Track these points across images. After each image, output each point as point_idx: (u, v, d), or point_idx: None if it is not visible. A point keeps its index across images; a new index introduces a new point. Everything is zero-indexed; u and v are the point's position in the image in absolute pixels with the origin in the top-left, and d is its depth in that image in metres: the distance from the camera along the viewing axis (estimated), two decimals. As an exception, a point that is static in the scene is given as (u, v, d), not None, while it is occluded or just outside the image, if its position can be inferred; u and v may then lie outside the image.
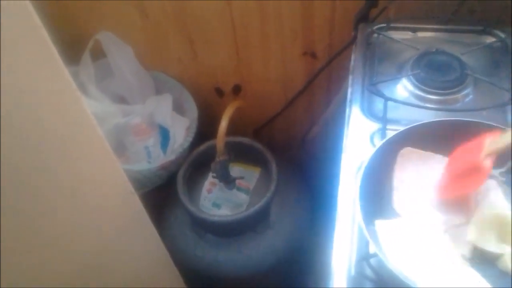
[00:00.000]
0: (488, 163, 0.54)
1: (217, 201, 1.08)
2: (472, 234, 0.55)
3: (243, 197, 1.08)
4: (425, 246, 0.55)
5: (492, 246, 0.53)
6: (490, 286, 0.50)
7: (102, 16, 1.10)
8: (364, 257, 0.54)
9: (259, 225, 1.03)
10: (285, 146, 1.34)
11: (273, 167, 1.03)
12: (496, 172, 0.59)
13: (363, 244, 0.57)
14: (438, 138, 0.61)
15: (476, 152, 0.55)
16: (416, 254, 0.54)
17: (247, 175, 1.10)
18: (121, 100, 1.14)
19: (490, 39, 0.82)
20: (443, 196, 0.59)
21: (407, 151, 0.61)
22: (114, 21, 1.10)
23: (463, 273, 0.52)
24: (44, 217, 0.61)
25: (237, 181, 1.08)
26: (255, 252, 1.03)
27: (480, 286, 0.51)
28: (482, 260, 0.53)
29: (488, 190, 0.58)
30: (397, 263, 0.50)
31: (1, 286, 0.54)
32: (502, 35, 0.80)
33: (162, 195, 1.14)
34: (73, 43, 1.09)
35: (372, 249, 0.55)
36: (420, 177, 0.61)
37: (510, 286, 0.50)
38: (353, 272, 0.55)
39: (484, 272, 0.52)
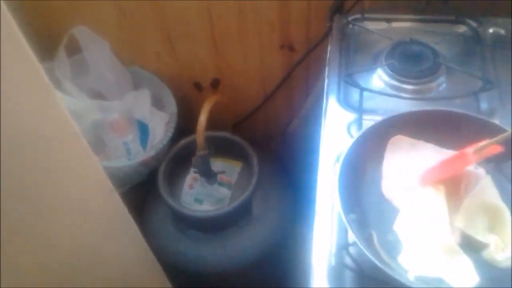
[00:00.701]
0: (472, 152, 0.55)
1: (199, 196, 1.07)
2: (460, 220, 0.56)
3: (225, 192, 1.08)
4: (415, 231, 0.55)
5: (479, 234, 0.54)
6: (474, 273, 0.51)
7: (77, 10, 1.08)
8: (344, 246, 0.55)
9: (242, 219, 1.03)
10: (265, 140, 1.35)
11: (254, 161, 1.03)
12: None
13: (343, 232, 0.58)
14: (416, 128, 0.62)
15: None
16: (406, 239, 0.54)
17: (228, 169, 1.10)
18: (98, 96, 1.13)
19: (462, 29, 0.83)
20: (423, 183, 0.59)
21: (397, 138, 0.62)
22: (90, 16, 1.08)
23: (451, 259, 0.53)
24: (21, 216, 0.60)
25: (219, 176, 1.08)
26: (238, 246, 1.03)
27: (465, 274, 0.52)
28: (470, 247, 0.54)
29: (478, 179, 0.59)
30: (374, 252, 0.51)
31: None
32: (474, 24, 0.82)
33: (143, 192, 1.13)
34: (48, 39, 1.07)
35: (351, 238, 0.56)
36: (410, 164, 0.62)
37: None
38: (333, 262, 0.55)
39: (471, 260, 0.53)
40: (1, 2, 0.46)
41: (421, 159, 0.61)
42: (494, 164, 0.61)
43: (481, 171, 0.60)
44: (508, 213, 0.55)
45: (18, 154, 0.55)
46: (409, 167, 0.61)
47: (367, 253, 0.49)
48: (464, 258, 0.53)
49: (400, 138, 0.62)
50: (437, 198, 0.58)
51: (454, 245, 0.54)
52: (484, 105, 0.71)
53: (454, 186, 0.59)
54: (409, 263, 0.53)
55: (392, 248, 0.55)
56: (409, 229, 0.56)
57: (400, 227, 0.56)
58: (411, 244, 0.54)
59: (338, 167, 0.56)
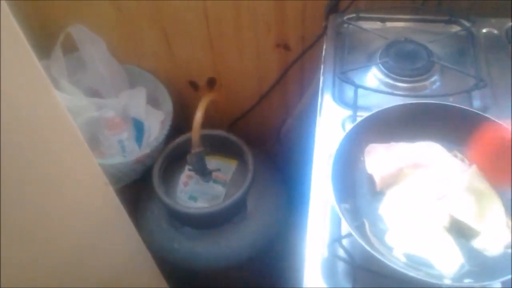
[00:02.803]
0: None
1: (193, 193, 1.08)
2: (449, 205, 0.57)
3: (219, 189, 1.08)
4: (408, 215, 0.57)
5: (470, 220, 0.55)
6: (462, 260, 0.52)
7: (74, 9, 1.08)
8: (337, 238, 0.56)
9: (236, 216, 1.03)
10: (260, 138, 1.35)
11: (249, 159, 1.04)
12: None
13: (336, 226, 0.58)
14: (404, 121, 0.63)
15: None
16: (399, 223, 0.56)
17: (223, 167, 1.11)
18: (94, 93, 1.13)
19: (456, 28, 0.84)
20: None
21: (371, 147, 0.63)
22: (87, 14, 1.08)
23: (436, 240, 0.54)
24: (17, 212, 0.60)
25: (214, 174, 1.09)
26: (233, 243, 1.03)
27: (450, 255, 0.53)
28: (458, 233, 0.55)
29: (464, 167, 0.61)
30: (366, 239, 0.52)
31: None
32: (467, 24, 0.83)
33: (138, 189, 1.14)
34: (45, 37, 1.07)
35: (344, 230, 0.57)
36: (392, 164, 0.63)
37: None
38: (326, 254, 0.56)
39: (460, 246, 0.54)
40: (2, 1, 0.47)
41: (397, 157, 0.63)
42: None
43: (463, 159, 0.62)
44: (498, 201, 0.56)
45: (15, 149, 0.56)
46: (390, 162, 0.63)
47: (358, 239, 0.49)
48: (449, 240, 0.54)
49: (373, 147, 0.63)
50: (422, 183, 0.59)
51: (440, 227, 0.55)
52: (477, 103, 0.72)
53: (440, 172, 0.61)
54: (394, 241, 0.54)
55: (384, 236, 0.56)
56: (394, 212, 0.57)
57: (386, 210, 0.58)
58: (396, 225, 0.56)
59: (331, 158, 0.57)
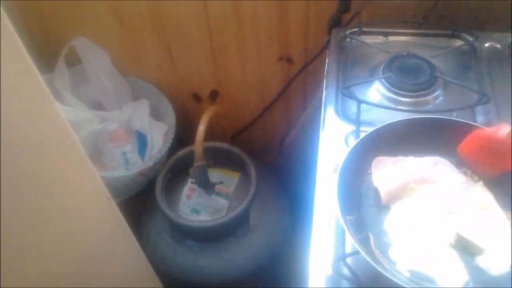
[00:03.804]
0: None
1: (196, 206, 1.07)
2: (455, 221, 0.56)
3: (222, 202, 1.08)
4: (413, 230, 0.56)
5: (475, 238, 0.55)
6: (467, 277, 0.52)
7: (78, 22, 1.09)
8: (341, 256, 0.55)
9: (239, 229, 1.03)
10: (263, 151, 1.35)
11: (252, 171, 1.03)
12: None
13: (340, 244, 0.58)
14: (412, 135, 0.63)
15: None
16: (403, 238, 0.55)
17: (226, 180, 1.11)
18: (97, 106, 1.13)
19: (458, 43, 0.84)
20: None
21: (378, 160, 0.63)
22: (90, 28, 1.09)
23: (446, 260, 0.54)
24: (19, 224, 0.60)
25: (216, 186, 1.08)
26: (235, 256, 1.03)
27: (454, 273, 0.52)
28: (464, 250, 0.55)
29: (470, 183, 0.61)
30: (370, 253, 0.51)
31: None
32: (470, 38, 0.83)
33: (140, 202, 1.13)
34: (48, 50, 1.08)
35: (348, 246, 0.56)
36: (398, 178, 0.63)
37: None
38: (330, 271, 0.56)
39: (465, 263, 0.54)
40: (3, 14, 0.47)
41: (404, 171, 0.62)
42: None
43: (473, 177, 0.61)
44: (505, 218, 0.56)
45: (17, 161, 0.56)
46: (396, 176, 0.62)
47: (362, 253, 0.49)
48: (454, 257, 0.54)
49: (381, 159, 0.63)
50: (429, 198, 0.59)
51: (445, 244, 0.55)
52: (480, 118, 0.72)
53: (446, 188, 0.60)
54: (398, 256, 0.54)
55: (388, 250, 0.55)
56: (399, 226, 0.57)
57: (391, 224, 0.57)
58: (401, 240, 0.55)
59: (337, 169, 0.57)
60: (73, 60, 1.09)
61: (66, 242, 0.70)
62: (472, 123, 0.62)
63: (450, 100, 0.74)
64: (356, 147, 0.60)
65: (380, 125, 0.62)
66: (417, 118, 0.64)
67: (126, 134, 1.10)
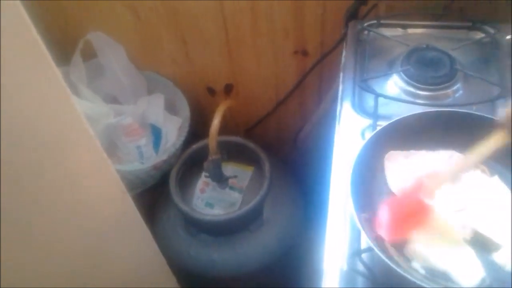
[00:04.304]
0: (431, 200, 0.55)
1: (210, 200, 1.07)
2: (473, 218, 0.55)
3: (236, 196, 1.07)
4: (428, 226, 0.55)
5: (493, 234, 0.54)
6: (484, 274, 0.51)
7: (93, 16, 1.09)
8: (356, 252, 0.55)
9: (253, 223, 1.03)
10: (277, 145, 1.34)
11: (266, 166, 1.03)
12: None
13: (355, 239, 0.57)
14: (426, 130, 0.62)
15: (416, 192, 0.56)
16: (418, 235, 0.54)
17: (240, 174, 1.10)
18: (112, 100, 1.14)
19: (479, 35, 0.82)
20: (392, 238, 0.55)
21: (390, 155, 0.62)
22: (106, 21, 1.09)
23: (462, 256, 0.53)
24: (35, 217, 0.60)
25: (230, 180, 1.08)
26: (249, 250, 1.03)
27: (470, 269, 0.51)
28: (480, 246, 0.54)
29: (485, 178, 0.59)
30: (389, 255, 0.50)
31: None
32: (491, 30, 0.81)
33: (154, 195, 1.14)
34: (64, 44, 1.09)
35: (363, 242, 0.55)
36: (411, 173, 0.61)
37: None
38: (345, 267, 0.55)
39: (482, 259, 0.53)
40: (22, 8, 0.47)
41: (416, 166, 0.62)
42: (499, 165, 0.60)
43: (485, 171, 0.60)
44: None
45: (32, 155, 0.56)
46: (409, 171, 0.61)
47: (377, 251, 0.48)
48: (470, 253, 0.53)
49: (393, 154, 0.62)
50: (442, 193, 0.58)
51: (460, 240, 0.54)
52: (501, 112, 0.70)
53: (460, 182, 0.59)
54: (413, 253, 0.53)
55: (403, 247, 0.54)
56: None
57: None
58: (416, 237, 0.54)
59: (350, 167, 0.56)
60: (89, 54, 1.10)
61: (81, 235, 0.71)
62: (488, 116, 0.60)
63: (470, 93, 0.73)
64: (369, 142, 0.59)
65: (392, 120, 0.61)
66: (432, 111, 0.62)
67: (141, 127, 1.11)
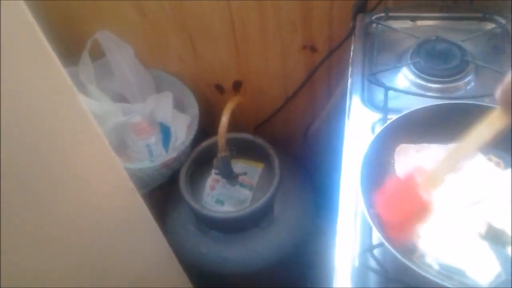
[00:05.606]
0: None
1: (220, 197, 1.07)
2: (487, 212, 0.54)
3: (246, 193, 1.07)
4: (440, 221, 0.54)
5: (507, 227, 0.53)
6: (499, 269, 0.50)
7: (100, 15, 1.09)
8: (368, 248, 0.54)
9: (263, 220, 1.02)
10: (287, 141, 1.34)
11: (276, 162, 1.02)
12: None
13: (366, 235, 0.56)
14: (437, 122, 0.61)
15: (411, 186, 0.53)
16: (431, 230, 0.53)
17: (250, 171, 1.10)
18: (121, 99, 1.14)
19: (490, 26, 0.81)
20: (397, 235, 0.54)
21: (401, 148, 0.61)
22: (113, 20, 1.09)
23: (476, 251, 0.52)
24: (46, 216, 0.61)
25: (240, 177, 1.08)
26: (259, 247, 1.02)
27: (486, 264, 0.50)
28: (496, 240, 0.53)
29: (498, 171, 0.58)
30: (400, 251, 0.50)
31: (2, 286, 0.54)
32: (503, 21, 0.80)
33: (164, 193, 1.14)
34: (72, 43, 1.09)
35: (375, 237, 0.55)
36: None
37: (510, 286, 0.49)
38: (356, 263, 0.54)
39: (497, 254, 0.52)
40: (25, 8, 0.47)
41: (428, 159, 0.60)
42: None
43: (499, 164, 0.59)
44: None
45: (40, 154, 0.56)
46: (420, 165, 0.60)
47: (390, 247, 0.47)
48: (485, 248, 0.52)
49: (404, 147, 0.61)
50: (455, 187, 0.57)
51: (474, 234, 0.53)
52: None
53: (473, 176, 0.58)
54: (426, 248, 0.52)
55: (416, 243, 0.53)
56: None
57: None
58: (428, 232, 0.53)
59: (360, 162, 0.55)
60: (97, 54, 1.10)
61: (90, 235, 0.71)
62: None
63: (482, 85, 0.71)
64: (379, 136, 0.58)
65: (402, 113, 0.60)
66: (443, 104, 0.61)
67: (150, 126, 1.11)
